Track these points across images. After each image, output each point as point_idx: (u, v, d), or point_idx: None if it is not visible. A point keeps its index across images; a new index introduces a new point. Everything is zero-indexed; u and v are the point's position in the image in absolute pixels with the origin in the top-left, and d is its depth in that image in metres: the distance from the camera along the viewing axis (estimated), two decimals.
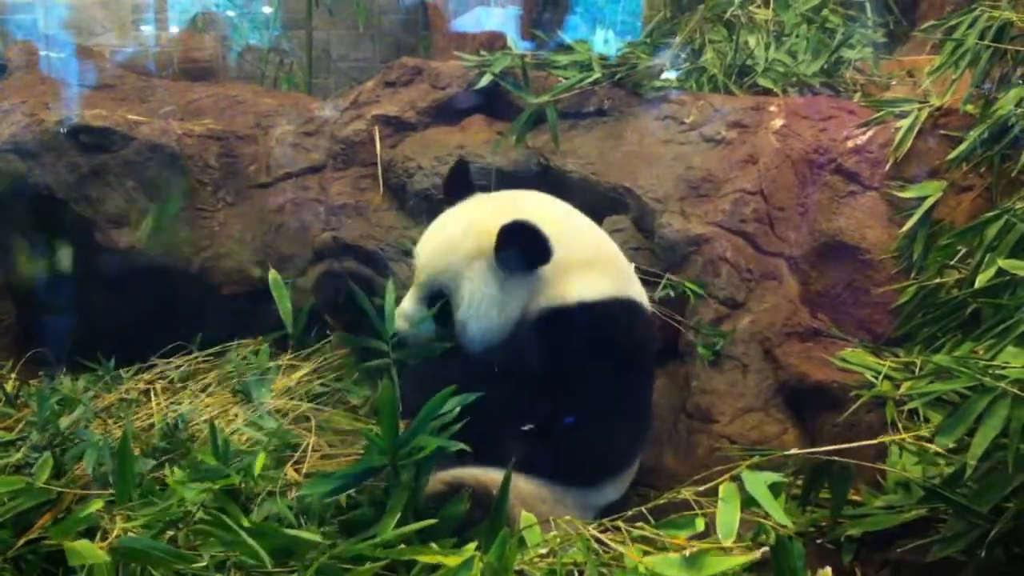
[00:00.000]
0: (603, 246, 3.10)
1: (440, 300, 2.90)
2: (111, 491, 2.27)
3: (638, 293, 3.06)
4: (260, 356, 3.43)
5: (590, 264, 2.96)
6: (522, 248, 2.79)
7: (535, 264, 2.82)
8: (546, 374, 2.80)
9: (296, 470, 2.60)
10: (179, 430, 2.89)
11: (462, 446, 2.32)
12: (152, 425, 2.95)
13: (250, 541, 1.91)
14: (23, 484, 2.26)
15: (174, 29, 6.07)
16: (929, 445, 2.47)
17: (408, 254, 3.60)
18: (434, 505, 2.32)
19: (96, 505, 2.20)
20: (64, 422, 2.76)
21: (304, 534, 2.03)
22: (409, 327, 2.94)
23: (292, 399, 3.16)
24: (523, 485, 2.68)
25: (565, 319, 2.84)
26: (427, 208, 3.67)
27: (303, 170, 4.01)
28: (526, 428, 2.72)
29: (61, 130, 3.76)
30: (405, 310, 2.97)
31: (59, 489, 2.29)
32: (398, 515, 2.22)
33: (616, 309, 2.93)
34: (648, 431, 3.19)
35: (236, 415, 2.97)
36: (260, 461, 2.31)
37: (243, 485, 2.34)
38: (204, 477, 2.28)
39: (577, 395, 2.81)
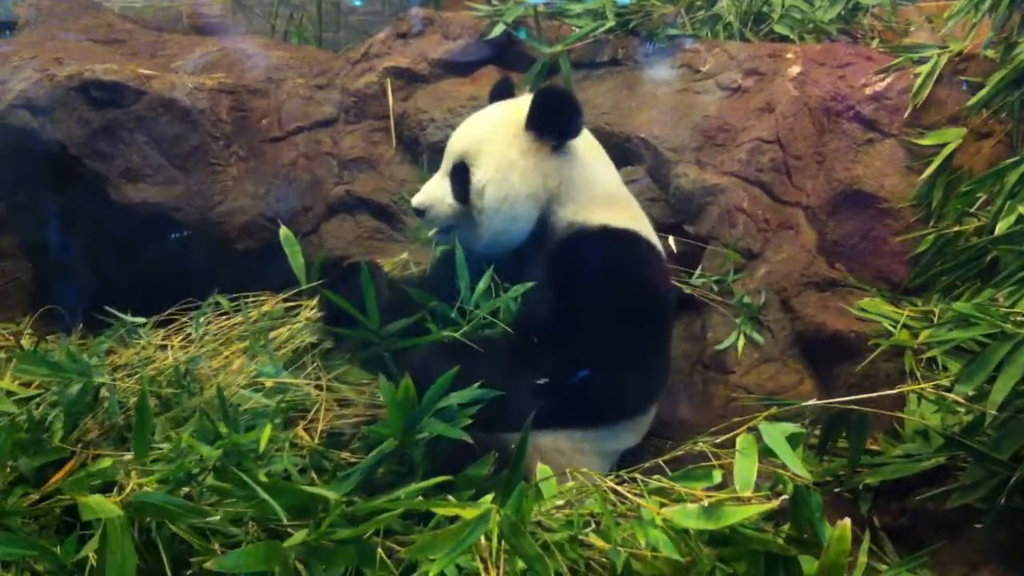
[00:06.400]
0: (623, 188, 3.09)
1: (462, 173, 2.84)
2: (127, 446, 2.27)
3: (656, 240, 3.04)
4: (274, 311, 3.41)
5: (614, 198, 2.97)
6: (556, 113, 2.76)
7: (566, 134, 2.80)
8: (568, 300, 2.74)
9: (308, 430, 2.59)
10: (188, 383, 2.87)
11: (467, 437, 2.26)
12: (167, 380, 2.94)
13: (266, 497, 1.91)
14: (38, 439, 2.27)
15: None
16: (948, 394, 2.45)
17: (420, 213, 3.58)
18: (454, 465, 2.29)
19: (109, 461, 2.21)
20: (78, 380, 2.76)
21: (320, 491, 2.02)
22: (428, 199, 2.89)
23: (304, 355, 3.14)
24: (541, 438, 2.68)
25: (588, 240, 2.81)
26: (440, 160, 3.65)
27: (315, 124, 3.99)
28: (544, 381, 2.64)
29: (72, 85, 3.73)
30: (428, 185, 2.94)
31: (72, 449, 2.29)
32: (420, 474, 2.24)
33: (634, 240, 2.91)
34: (666, 376, 3.16)
35: (247, 372, 2.95)
36: (266, 434, 2.28)
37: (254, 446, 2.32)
38: (214, 440, 2.26)
39: (597, 323, 2.74)
